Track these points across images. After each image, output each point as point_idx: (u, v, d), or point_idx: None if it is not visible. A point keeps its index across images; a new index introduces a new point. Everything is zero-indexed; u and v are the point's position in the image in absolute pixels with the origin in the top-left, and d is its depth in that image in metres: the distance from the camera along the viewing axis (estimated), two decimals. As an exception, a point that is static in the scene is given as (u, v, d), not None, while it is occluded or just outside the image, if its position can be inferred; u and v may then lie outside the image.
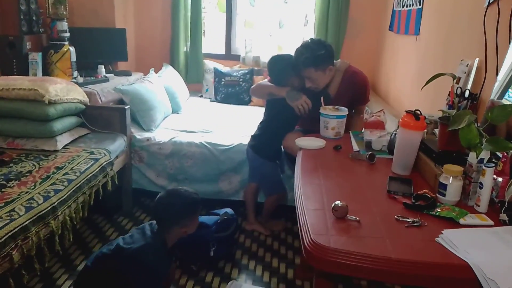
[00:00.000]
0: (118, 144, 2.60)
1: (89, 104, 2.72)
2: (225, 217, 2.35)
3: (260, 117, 2.60)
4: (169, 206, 1.76)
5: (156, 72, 3.58)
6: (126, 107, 2.74)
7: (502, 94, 1.56)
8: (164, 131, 3.02)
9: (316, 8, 3.86)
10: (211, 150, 2.79)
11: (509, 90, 1.54)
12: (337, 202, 1.25)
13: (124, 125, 2.73)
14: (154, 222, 1.81)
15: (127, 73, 3.55)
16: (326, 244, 1.09)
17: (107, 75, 3.31)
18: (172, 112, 3.45)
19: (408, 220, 1.23)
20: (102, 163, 2.34)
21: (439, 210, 1.29)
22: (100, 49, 3.54)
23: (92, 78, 3.16)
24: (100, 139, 2.58)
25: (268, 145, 2.47)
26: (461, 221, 1.22)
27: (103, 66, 3.32)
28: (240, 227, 2.66)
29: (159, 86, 3.33)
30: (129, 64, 3.86)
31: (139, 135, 2.89)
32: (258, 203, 2.71)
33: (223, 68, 4.07)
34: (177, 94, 3.59)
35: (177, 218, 1.77)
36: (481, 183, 1.29)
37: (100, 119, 2.72)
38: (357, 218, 1.22)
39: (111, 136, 2.65)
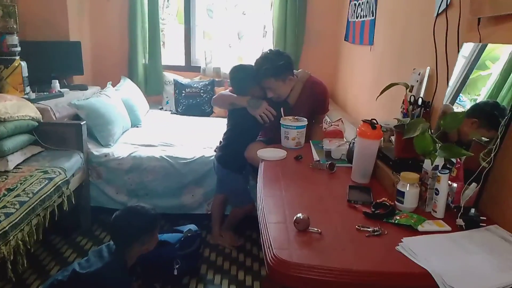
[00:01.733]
0: (74, 161, 2.50)
1: (42, 120, 2.60)
2: (189, 234, 2.29)
3: (223, 128, 2.58)
4: (126, 224, 1.70)
5: (113, 85, 3.49)
6: (82, 123, 2.65)
7: (453, 99, 1.61)
8: (123, 146, 2.94)
9: (274, 19, 3.89)
10: (172, 164, 2.74)
11: (460, 95, 1.59)
12: (299, 214, 1.23)
13: (81, 142, 2.64)
14: (112, 243, 1.74)
15: (83, 87, 3.43)
16: (289, 258, 1.06)
17: (61, 90, 3.18)
18: (132, 126, 3.37)
19: (369, 229, 1.23)
20: (57, 182, 2.23)
21: (398, 217, 1.29)
22: (54, 63, 3.41)
23: (45, 93, 3.02)
24: (54, 157, 2.47)
25: (233, 156, 2.44)
26: (420, 228, 1.24)
27: (57, 81, 3.19)
28: (204, 242, 2.59)
29: (117, 99, 3.24)
30: (85, 78, 3.73)
31: (97, 151, 2.79)
32: (226, 215, 2.66)
33: (183, 79, 4.03)
34: (136, 107, 3.51)
35: (135, 236, 1.70)
36: (437, 189, 1.31)
37: (54, 136, 2.60)
38: (319, 230, 1.21)
39: (67, 153, 2.54)
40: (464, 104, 1.57)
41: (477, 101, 1.49)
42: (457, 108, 1.58)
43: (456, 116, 1.35)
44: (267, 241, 1.16)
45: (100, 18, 4.00)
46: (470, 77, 1.56)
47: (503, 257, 1.08)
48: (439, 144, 1.37)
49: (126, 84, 3.69)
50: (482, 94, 1.49)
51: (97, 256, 1.65)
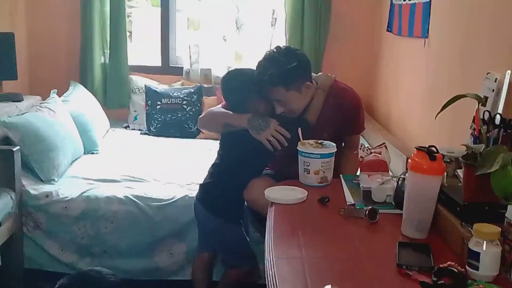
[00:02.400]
0: (1, 205, 2.49)
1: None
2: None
3: (214, 155, 2.57)
4: None
5: (60, 94, 3.51)
6: (14, 149, 2.66)
7: None
8: (72, 181, 2.96)
9: (286, 3, 3.94)
10: (142, 208, 2.73)
11: None
12: (328, 286, 1.21)
13: (12, 176, 2.64)
14: None
15: (16, 98, 3.47)
16: None
17: (-15, 101, 3.22)
18: (84, 153, 3.38)
19: (429, 308, 1.21)
20: (-23, 235, 2.23)
21: (471, 290, 1.28)
22: (-24, 64, 3.46)
23: (-38, 106, 3.06)
24: (-27, 198, 2.48)
25: (226, 198, 2.42)
26: (503, 306, 1.22)
27: (-20, 89, 3.24)
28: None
29: (64, 114, 3.26)
30: (19, 84, 3.78)
31: (35, 189, 2.80)
32: (214, 282, 2.63)
33: (158, 86, 4.06)
34: (92, 125, 3.53)
35: None
36: (527, 249, 1.30)
37: (-27, 168, 2.62)
38: (357, 310, 1.19)
39: (-9, 192, 2.56)
40: None
41: None
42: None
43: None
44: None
45: (41, 2, 4.06)
46: None
47: None
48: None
49: (78, 93, 3.72)
50: None
51: None
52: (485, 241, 1.34)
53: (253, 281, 2.60)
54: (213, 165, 2.54)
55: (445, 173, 1.72)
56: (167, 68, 4.30)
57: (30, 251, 2.77)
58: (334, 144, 2.20)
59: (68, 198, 2.76)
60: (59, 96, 3.48)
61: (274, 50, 2.38)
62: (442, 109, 1.64)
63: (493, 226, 1.36)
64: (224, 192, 2.43)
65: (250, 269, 2.53)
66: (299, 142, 2.19)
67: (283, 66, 2.28)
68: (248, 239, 2.58)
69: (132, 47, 4.20)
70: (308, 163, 2.10)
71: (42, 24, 4.07)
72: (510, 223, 1.36)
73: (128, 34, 4.09)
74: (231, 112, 2.43)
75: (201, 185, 2.55)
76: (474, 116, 1.88)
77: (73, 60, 4.10)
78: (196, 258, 2.64)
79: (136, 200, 2.76)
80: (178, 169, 3.17)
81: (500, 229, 1.36)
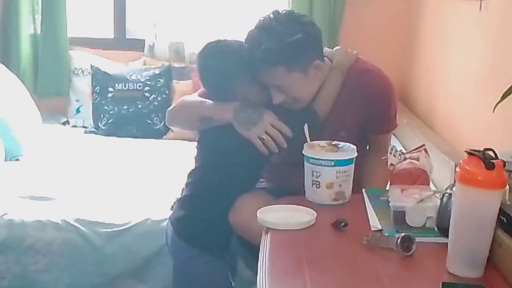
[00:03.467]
0: None
1: None
2: None
3: (191, 162, 2.57)
4: None
5: (-30, 78, 3.52)
6: None
7: None
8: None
9: None
10: (86, 236, 2.73)
11: None
12: None
13: None
14: None
15: None
16: None
17: None
18: (6, 159, 3.39)
19: None
20: None
21: None
22: None
23: None
24: None
25: (207, 221, 2.41)
26: None
27: None
28: None
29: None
30: None
31: None
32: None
33: (111, 65, 4.09)
34: (15, 122, 3.52)
35: None
36: None
37: None
38: None
39: None
40: None
41: None
42: None
43: None
44: None
45: None
46: None
47: None
48: None
49: (-4, 76, 3.76)
50: None
51: None
52: (562, 281, 1.38)
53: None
54: (190, 173, 2.53)
55: (508, 187, 1.73)
56: (123, 41, 4.33)
57: None
58: (354, 147, 2.20)
59: (-19, 223, 2.80)
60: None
61: (271, 16, 2.36)
62: (502, 98, 1.65)
63: None
64: (204, 212, 2.43)
65: None
66: (305, 144, 2.19)
67: (284, 38, 2.27)
68: (233, 283, 2.58)
69: (74, 12, 4.22)
70: (318, 173, 2.10)
71: None
72: None
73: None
74: (211, 102, 2.44)
75: (177, 201, 2.55)
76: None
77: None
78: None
79: (78, 225, 2.75)
80: (138, 181, 3.18)
81: None
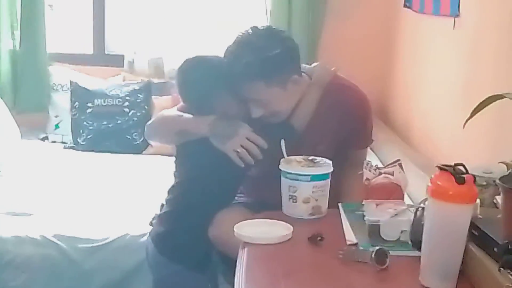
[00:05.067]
0: None
1: None
2: None
3: (170, 177, 2.46)
4: None
5: None
6: None
7: None
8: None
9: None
10: (65, 251, 2.60)
11: None
12: None
13: None
14: None
15: None
16: None
17: None
18: (-16, 174, 3.01)
19: None
20: None
21: None
22: None
23: None
24: None
25: (187, 236, 2.32)
26: None
27: None
28: None
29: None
30: None
31: None
32: None
33: (90, 81, 3.98)
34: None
35: None
36: None
37: None
38: None
39: None
40: None
41: None
42: None
43: None
44: None
45: None
46: None
47: None
48: None
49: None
50: None
51: None
52: (533, 295, 1.36)
53: None
54: (170, 189, 2.39)
55: (479, 201, 1.74)
56: (102, 56, 4.16)
57: None
58: (330, 162, 2.06)
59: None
60: None
61: (250, 31, 2.25)
62: (473, 114, 1.61)
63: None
64: (184, 227, 2.33)
65: None
66: (282, 159, 2.06)
67: (262, 53, 2.20)
68: None
69: (53, 27, 4.19)
70: (295, 188, 2.01)
71: None
72: None
73: (48, 8, 4.12)
74: (189, 116, 2.32)
75: (158, 217, 2.42)
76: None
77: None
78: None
79: (56, 240, 2.62)
80: (117, 197, 3.00)
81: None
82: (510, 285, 1.37)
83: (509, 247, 1.51)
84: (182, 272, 2.38)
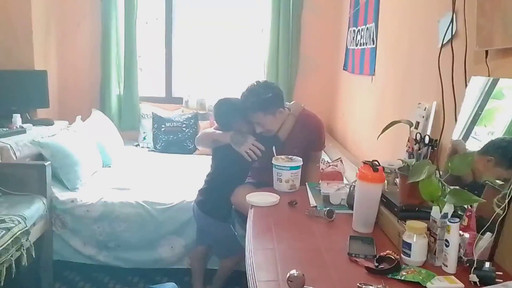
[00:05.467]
0: (35, 209, 2.49)
1: (0, 161, 2.62)
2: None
3: (208, 167, 2.59)
4: None
5: (83, 119, 3.52)
6: (46, 163, 2.66)
7: (467, 134, 1.65)
8: (92, 189, 2.95)
9: (264, 46, 4.02)
10: (148, 211, 2.74)
11: (475, 127, 1.63)
12: (293, 271, 1.24)
13: (44, 185, 2.64)
14: None
15: (48, 122, 3.47)
16: (281, 324, 1.08)
17: (24, 125, 3.22)
18: (103, 166, 3.39)
19: (372, 287, 1.24)
20: (16, 233, 2.22)
21: (404, 273, 1.31)
22: (15, 94, 3.46)
23: (5, 129, 3.05)
24: (13, 203, 2.46)
25: (217, 202, 2.45)
26: (429, 285, 1.25)
27: (19, 115, 3.24)
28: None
29: (86, 135, 3.28)
30: (51, 112, 3.78)
31: (62, 195, 2.80)
32: (207, 270, 2.65)
33: (163, 112, 4.09)
34: (109, 144, 3.54)
35: None
36: (447, 240, 1.33)
37: (13, 179, 2.60)
38: (316, 290, 1.22)
39: (27, 198, 2.53)
40: (479, 138, 1.61)
41: (494, 135, 1.53)
42: (472, 143, 1.62)
43: (464, 159, 1.40)
44: (257, 303, 1.17)
45: (69, 44, 4.09)
46: (486, 108, 1.60)
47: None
48: (448, 189, 1.41)
49: (98, 118, 3.74)
50: (500, 126, 1.52)
51: None
52: (415, 235, 1.38)
53: (238, 269, 2.56)
54: (207, 174, 2.56)
55: (386, 182, 1.75)
56: (170, 98, 4.31)
57: (58, 246, 2.77)
58: (300, 159, 2.23)
59: (89, 203, 2.77)
60: (83, 121, 3.49)
61: (255, 83, 2.43)
62: (382, 132, 1.71)
63: (421, 223, 1.41)
64: (215, 196, 2.45)
65: (240, 258, 2.47)
66: (273, 158, 2.23)
67: (262, 96, 2.34)
68: (236, 233, 2.58)
69: (142, 80, 4.21)
70: (280, 174, 2.14)
71: (70, 63, 4.08)
72: (434, 220, 1.41)
73: (138, 69, 4.14)
74: (220, 131, 2.46)
75: (199, 191, 2.57)
76: (408, 137, 1.95)
77: (95, 91, 4.12)
78: (193, 251, 2.66)
79: (144, 204, 2.76)
80: (177, 179, 3.17)
81: (427, 225, 1.41)
82: (404, 230, 1.44)
83: (403, 208, 1.60)
84: (216, 222, 2.48)
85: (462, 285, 1.26)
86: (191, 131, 3.94)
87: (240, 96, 2.43)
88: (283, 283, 1.25)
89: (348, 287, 1.26)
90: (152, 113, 4.06)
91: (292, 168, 2.14)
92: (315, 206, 1.89)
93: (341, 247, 1.51)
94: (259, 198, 2.00)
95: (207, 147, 2.66)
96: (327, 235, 1.67)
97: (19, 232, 2.25)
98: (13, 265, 2.19)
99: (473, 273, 1.28)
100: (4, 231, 2.16)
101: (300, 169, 2.19)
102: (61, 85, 4.07)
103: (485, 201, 1.35)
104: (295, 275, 1.24)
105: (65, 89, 4.09)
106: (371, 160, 1.65)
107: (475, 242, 1.34)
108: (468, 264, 1.33)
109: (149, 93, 4.31)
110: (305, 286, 1.23)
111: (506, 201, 1.31)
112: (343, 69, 3.69)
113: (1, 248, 2.09)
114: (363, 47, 3.11)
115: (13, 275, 2.20)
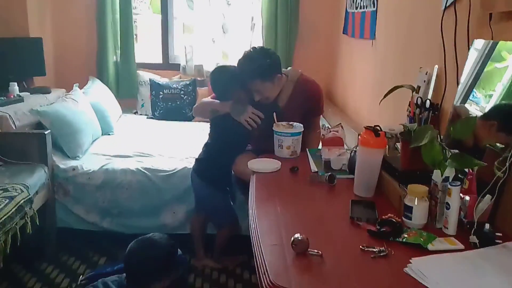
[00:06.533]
0: (37, 177, 2.51)
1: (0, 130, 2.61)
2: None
3: (206, 135, 2.58)
4: (147, 261, 1.72)
5: (81, 87, 3.50)
6: (46, 132, 2.66)
7: (466, 97, 1.66)
8: (93, 157, 2.96)
9: (263, 11, 3.96)
10: (150, 178, 2.75)
11: (474, 90, 1.64)
12: (297, 235, 1.26)
13: (45, 154, 2.64)
14: (123, 276, 1.75)
15: (45, 90, 3.45)
16: (287, 285, 1.10)
17: (21, 93, 3.19)
18: (102, 134, 3.38)
19: (374, 250, 1.27)
20: (19, 202, 2.24)
21: (406, 235, 1.34)
22: (12, 63, 3.42)
23: (2, 98, 3.03)
24: (15, 172, 2.47)
25: (215, 170, 2.46)
26: (430, 246, 1.28)
27: (15, 84, 3.21)
28: (190, 269, 2.59)
29: (85, 104, 3.26)
30: (47, 80, 3.74)
31: (63, 164, 2.81)
32: (208, 235, 2.69)
33: (160, 79, 4.07)
34: (107, 112, 3.53)
35: (158, 274, 1.73)
36: (447, 203, 1.36)
37: (14, 148, 2.60)
38: (319, 252, 1.25)
39: (29, 167, 2.55)
40: (478, 101, 1.62)
41: (493, 98, 1.53)
42: (470, 106, 1.64)
43: (467, 123, 1.41)
44: (263, 266, 1.19)
45: (65, 11, 4.02)
46: (485, 70, 1.60)
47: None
48: (450, 153, 1.42)
49: (95, 86, 3.72)
50: (498, 89, 1.53)
51: None
52: (416, 198, 1.41)
53: (237, 234, 2.61)
54: (205, 144, 2.55)
55: (387, 146, 1.77)
56: (167, 64, 4.27)
57: (61, 213, 2.79)
58: (301, 125, 2.24)
59: (91, 171, 2.77)
60: (80, 89, 3.47)
61: (252, 50, 2.41)
62: (384, 97, 1.71)
63: (422, 187, 1.43)
64: (214, 166, 2.46)
65: (234, 226, 2.57)
66: (274, 124, 2.23)
67: (259, 62, 2.31)
68: (232, 203, 2.60)
69: (139, 47, 4.17)
70: (281, 140, 2.15)
71: (65, 30, 4.03)
72: (435, 184, 1.43)
73: (134, 37, 4.07)
74: (218, 101, 2.45)
75: (196, 160, 2.57)
76: (409, 102, 1.95)
77: (91, 59, 4.08)
78: (193, 218, 2.69)
79: (145, 171, 2.77)
80: (178, 146, 3.17)
81: (428, 189, 1.43)
82: (405, 194, 1.45)
83: (404, 173, 1.62)
84: (214, 192, 2.51)
85: (462, 246, 1.30)
86: (189, 98, 3.93)
87: (236, 63, 2.40)
88: (287, 246, 1.28)
89: (351, 250, 1.29)
90: (150, 80, 4.02)
91: (293, 134, 2.15)
92: (316, 172, 1.91)
93: (343, 211, 1.53)
94: (261, 164, 2.01)
95: (206, 117, 2.64)
96: (329, 200, 1.70)
97: (22, 201, 2.27)
98: (18, 233, 2.23)
99: (473, 235, 1.31)
100: (7, 200, 2.18)
101: (301, 135, 2.20)
102: (57, 53, 4.02)
103: (486, 165, 1.37)
104: (299, 238, 1.26)
105: (62, 57, 4.04)
106: (372, 126, 1.66)
107: (476, 204, 1.37)
108: (468, 226, 1.36)
109: (146, 59, 4.27)
110: (309, 250, 1.26)
111: (507, 164, 1.33)
112: (343, 33, 3.65)
113: (6, 216, 2.11)
114: (364, 10, 3.06)
115: (18, 243, 2.24)
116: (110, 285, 1.74)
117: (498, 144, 1.44)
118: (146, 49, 4.41)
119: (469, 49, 1.68)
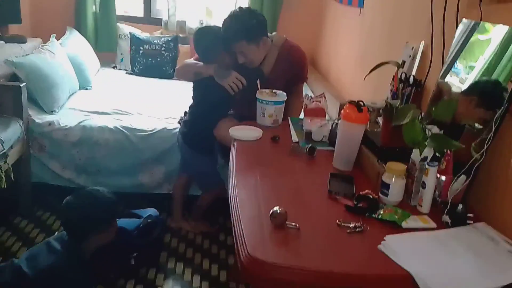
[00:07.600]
0: (12, 131, 2.46)
1: (-28, 81, 2.54)
2: (149, 220, 2.33)
3: (188, 94, 2.57)
4: (82, 212, 1.71)
5: (58, 38, 3.38)
6: (21, 85, 2.58)
7: (448, 68, 1.67)
8: (70, 112, 2.91)
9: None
10: (128, 137, 2.72)
11: (456, 62, 1.66)
12: (276, 208, 1.28)
13: (20, 107, 2.58)
14: (65, 233, 1.75)
15: (21, 40, 3.32)
16: (264, 258, 1.13)
17: (-6, 42, 3.09)
18: (80, 88, 3.32)
19: (350, 225, 1.31)
20: (-7, 156, 2.22)
21: (381, 212, 1.37)
22: (-16, 8, 3.28)
23: (-26, 46, 2.93)
24: (-12, 125, 2.43)
25: (200, 134, 2.45)
26: (403, 224, 1.32)
27: (-12, 31, 3.10)
28: (166, 229, 2.62)
29: (62, 56, 3.16)
30: (23, 28, 3.60)
31: (39, 118, 2.75)
32: (189, 196, 2.71)
33: (141, 34, 3.97)
34: (85, 65, 3.45)
35: (93, 225, 1.73)
36: (424, 182, 1.40)
37: (-13, 100, 2.55)
38: (297, 225, 1.27)
39: (3, 121, 2.49)
40: (458, 72, 1.65)
41: (473, 72, 1.55)
42: (450, 77, 1.66)
43: (448, 105, 1.43)
44: (241, 238, 1.21)
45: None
46: (470, 41, 1.60)
47: (489, 260, 1.19)
48: (430, 133, 1.45)
49: (73, 37, 3.61)
50: (479, 64, 1.55)
51: (45, 249, 1.66)
52: (394, 176, 1.44)
53: (223, 196, 2.67)
54: (190, 106, 2.54)
55: (369, 121, 1.79)
56: (149, 18, 4.16)
57: (36, 169, 2.76)
58: (285, 94, 2.23)
59: (67, 127, 2.73)
60: (57, 40, 3.35)
61: (238, 9, 2.35)
62: (369, 72, 1.71)
63: (401, 165, 1.46)
64: (198, 129, 2.45)
65: (218, 190, 2.56)
66: (257, 91, 2.21)
67: (246, 23, 2.27)
68: (218, 166, 2.62)
69: (120, -1, 4.06)
70: (264, 108, 2.15)
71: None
72: (414, 162, 1.46)
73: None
74: (201, 63, 2.40)
75: (183, 121, 2.57)
76: (394, 76, 1.96)
77: (69, 9, 3.93)
78: (177, 179, 2.69)
79: (124, 130, 2.73)
80: (157, 105, 3.13)
81: (406, 167, 1.46)
82: (384, 170, 1.49)
83: (384, 149, 1.65)
84: (199, 155, 2.50)
85: (435, 224, 1.35)
86: (170, 55, 3.86)
87: (222, 23, 2.35)
88: (266, 218, 1.30)
89: (328, 224, 1.32)
90: (130, 33, 3.92)
91: (276, 103, 2.14)
92: (297, 142, 1.92)
93: (321, 184, 1.55)
94: (242, 132, 2.00)
95: (188, 80, 2.58)
96: (308, 172, 1.72)
97: (-3, 155, 2.25)
98: (-8, 188, 2.21)
99: (446, 214, 1.36)
100: (-19, 154, 2.15)
101: (284, 104, 2.19)
102: (34, 0, 3.86)
103: (463, 147, 1.40)
104: (278, 211, 1.28)
105: (38, 5, 3.89)
106: (356, 100, 1.67)
107: (451, 185, 1.41)
108: (442, 206, 1.40)
109: (127, 12, 4.14)
110: (287, 222, 1.29)
111: (485, 147, 1.36)
112: (331, -3, 3.60)
113: (-21, 171, 2.09)
114: (353, -25, 3.03)
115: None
116: (52, 242, 1.76)
117: (476, 125, 1.47)
118: (127, 1, 4.27)
119: (456, 27, 1.68)
